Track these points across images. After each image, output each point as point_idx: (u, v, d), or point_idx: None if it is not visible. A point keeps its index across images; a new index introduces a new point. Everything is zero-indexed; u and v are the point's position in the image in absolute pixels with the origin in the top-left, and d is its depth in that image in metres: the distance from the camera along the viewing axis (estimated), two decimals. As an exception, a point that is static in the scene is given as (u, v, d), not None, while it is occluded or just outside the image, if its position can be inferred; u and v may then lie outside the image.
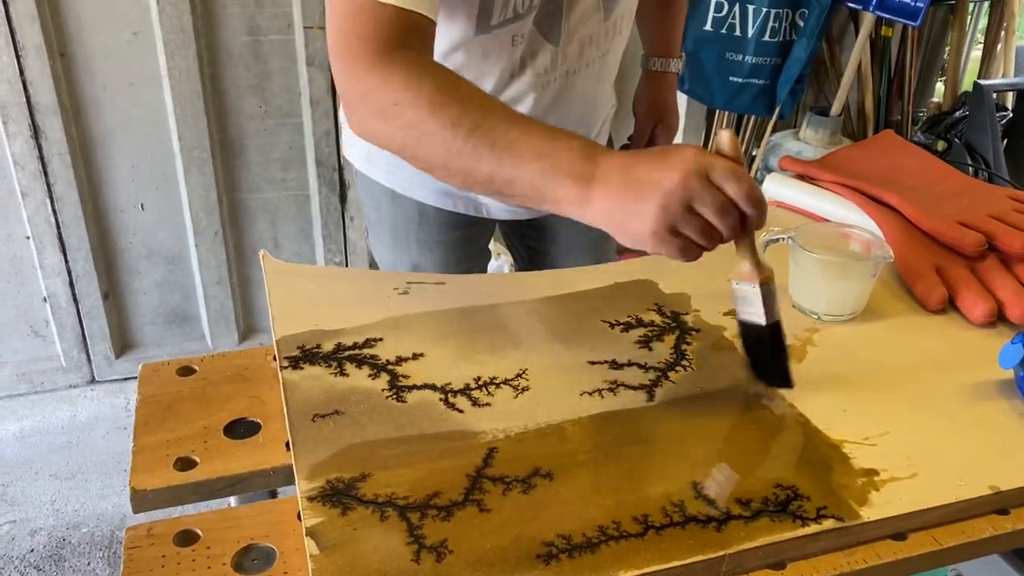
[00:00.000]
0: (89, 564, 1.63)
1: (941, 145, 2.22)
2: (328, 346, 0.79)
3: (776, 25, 2.15)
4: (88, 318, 1.99)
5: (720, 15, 2.18)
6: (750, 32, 2.17)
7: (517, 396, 0.74)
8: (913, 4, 1.97)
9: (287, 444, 0.69)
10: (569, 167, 0.66)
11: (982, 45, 2.63)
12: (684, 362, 0.79)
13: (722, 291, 0.91)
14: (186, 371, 0.80)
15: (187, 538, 0.62)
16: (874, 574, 0.62)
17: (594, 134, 1.11)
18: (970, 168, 2.00)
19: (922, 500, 0.64)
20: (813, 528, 0.61)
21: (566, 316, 0.85)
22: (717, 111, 2.38)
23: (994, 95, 2.13)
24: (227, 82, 1.90)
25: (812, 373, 0.79)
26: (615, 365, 0.78)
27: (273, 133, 1.98)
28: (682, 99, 2.33)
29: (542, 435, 0.69)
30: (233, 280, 2.09)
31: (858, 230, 0.91)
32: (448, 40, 0.89)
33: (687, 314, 0.87)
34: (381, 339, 0.80)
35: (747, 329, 0.73)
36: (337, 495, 0.62)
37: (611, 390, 0.75)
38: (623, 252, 0.95)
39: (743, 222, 0.65)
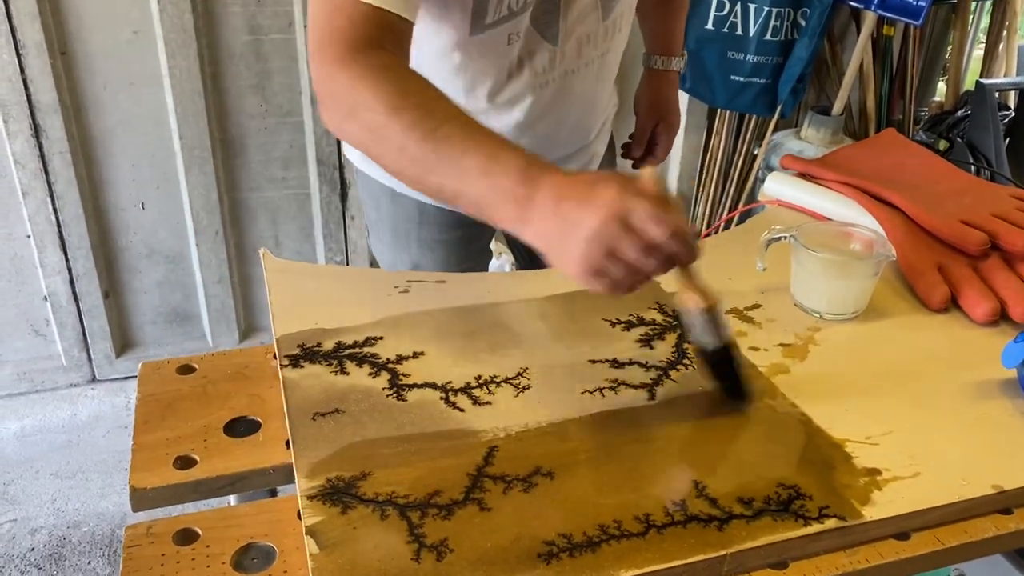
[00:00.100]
0: (90, 563, 1.63)
1: (943, 144, 2.22)
2: (328, 344, 0.78)
3: (778, 24, 2.15)
4: (89, 317, 1.99)
5: (721, 14, 2.18)
6: (752, 31, 2.17)
7: (518, 395, 0.74)
8: (915, 3, 1.96)
9: (287, 443, 0.69)
10: (509, 189, 0.65)
11: (984, 44, 2.62)
12: (685, 361, 0.79)
13: (724, 290, 0.91)
14: (186, 370, 0.80)
15: (187, 537, 0.62)
16: (876, 574, 0.61)
17: (594, 135, 1.11)
18: (972, 167, 1.99)
19: (925, 499, 0.64)
20: (815, 527, 0.61)
21: (567, 315, 0.85)
22: (719, 110, 2.38)
23: (996, 94, 2.12)
24: (228, 81, 1.90)
25: (814, 372, 0.79)
26: (616, 364, 0.78)
27: (274, 132, 1.98)
28: (683, 98, 2.33)
29: (543, 434, 0.69)
30: (234, 279, 2.09)
31: (860, 229, 0.90)
32: (444, 40, 0.89)
33: (688, 313, 0.86)
34: (381, 338, 0.80)
35: (701, 352, 0.72)
36: (337, 494, 0.61)
37: (612, 389, 0.75)
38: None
39: (673, 259, 0.64)
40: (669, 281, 0.92)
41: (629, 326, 0.84)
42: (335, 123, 0.74)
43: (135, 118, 1.87)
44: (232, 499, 0.73)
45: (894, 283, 0.94)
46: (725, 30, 2.19)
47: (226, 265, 2.05)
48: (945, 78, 2.65)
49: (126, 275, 2.01)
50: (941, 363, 0.82)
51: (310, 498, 0.61)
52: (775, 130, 2.32)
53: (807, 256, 0.86)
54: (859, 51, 2.18)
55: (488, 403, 0.72)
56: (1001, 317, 0.87)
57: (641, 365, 0.78)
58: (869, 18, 2.13)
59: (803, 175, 1.12)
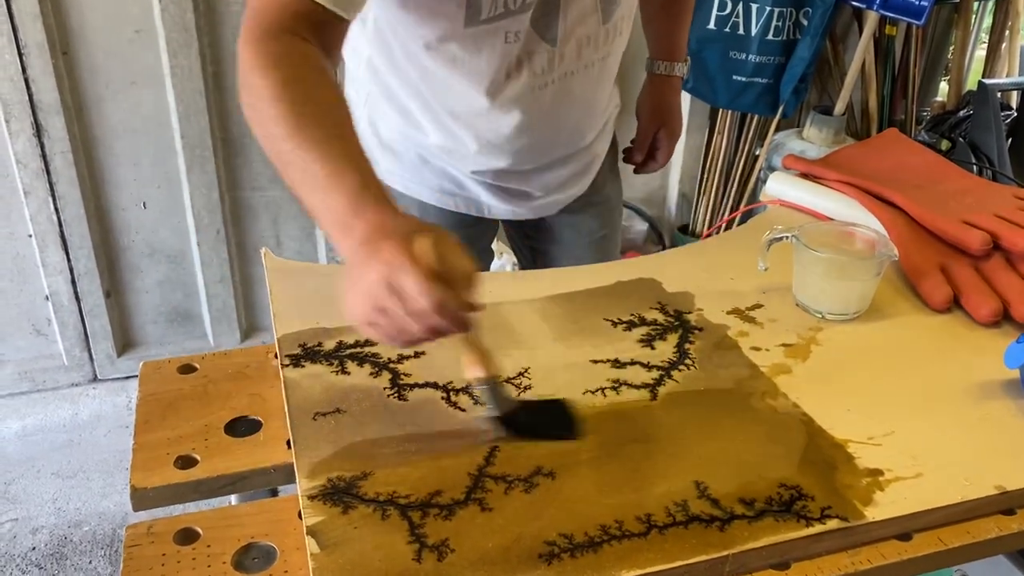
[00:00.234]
0: (91, 562, 1.63)
1: (945, 144, 2.21)
2: (329, 344, 0.78)
3: (780, 24, 2.14)
4: (90, 316, 1.99)
5: (723, 14, 2.18)
6: (754, 31, 2.17)
7: (519, 394, 0.73)
8: (917, 3, 1.96)
9: (288, 442, 0.69)
10: (337, 212, 0.66)
11: (986, 44, 2.62)
12: (687, 361, 0.79)
13: (726, 290, 0.91)
14: (187, 369, 0.80)
15: (187, 536, 0.62)
16: (879, 574, 0.61)
17: (594, 136, 1.10)
18: (974, 167, 1.99)
19: (927, 500, 0.64)
20: (817, 528, 0.61)
21: (568, 315, 0.85)
22: (720, 110, 2.37)
23: (998, 94, 2.12)
24: (229, 80, 1.90)
25: (816, 372, 0.78)
26: (618, 364, 0.78)
27: (275, 131, 1.98)
28: (685, 98, 2.33)
29: (544, 434, 0.69)
30: (235, 278, 2.09)
31: (862, 229, 0.90)
32: (439, 30, 0.88)
33: (690, 313, 0.86)
34: (383, 337, 0.80)
35: (497, 420, 0.69)
36: (338, 494, 0.61)
37: (614, 389, 0.74)
38: (626, 253, 0.94)
39: (444, 329, 0.63)
40: (671, 281, 0.92)
41: (631, 326, 0.84)
42: (240, 98, 0.74)
43: (136, 117, 1.87)
44: (233, 499, 0.73)
45: (896, 283, 0.94)
46: (727, 30, 2.19)
47: (227, 264, 2.05)
48: (947, 78, 2.64)
49: (127, 274, 2.01)
50: (943, 363, 0.81)
51: (311, 498, 0.61)
52: (777, 130, 2.32)
53: (809, 256, 0.86)
54: (861, 51, 2.18)
55: (489, 403, 0.72)
56: (1003, 317, 0.87)
57: (643, 365, 0.78)
58: (871, 18, 2.13)
59: (805, 175, 1.12)
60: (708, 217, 2.50)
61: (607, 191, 1.20)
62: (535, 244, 1.23)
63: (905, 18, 2.01)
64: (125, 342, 2.09)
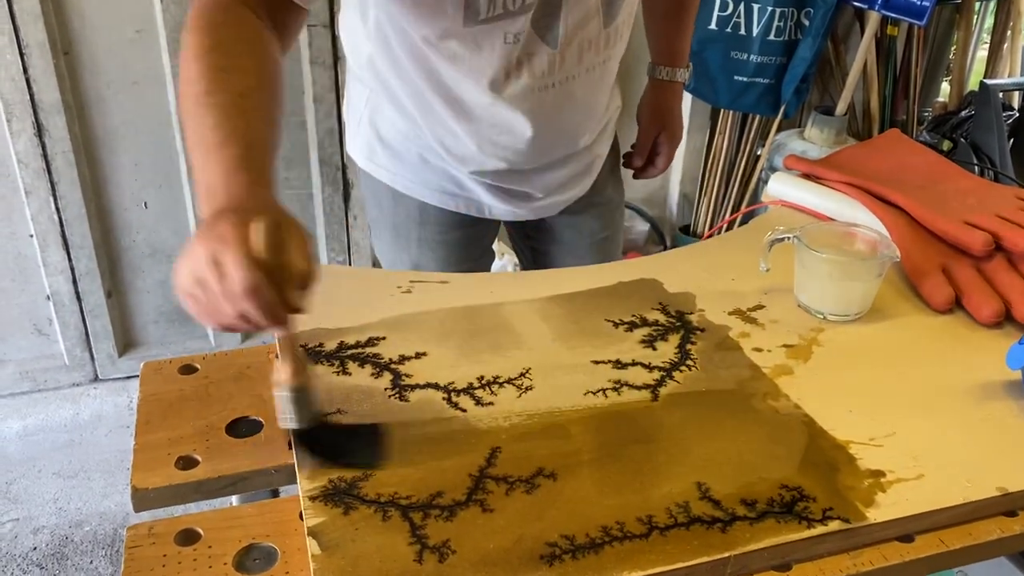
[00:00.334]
0: (92, 563, 1.63)
1: (947, 145, 2.21)
2: (331, 345, 0.78)
3: (781, 24, 2.14)
4: (91, 316, 1.99)
5: (725, 14, 2.17)
6: (755, 31, 2.16)
7: (520, 395, 0.73)
8: (919, 3, 1.96)
9: (289, 443, 0.69)
10: (207, 183, 0.65)
11: (988, 44, 2.62)
12: (689, 362, 0.79)
13: (727, 291, 0.91)
14: (188, 369, 0.80)
15: (188, 537, 0.62)
16: (880, 576, 0.61)
17: (595, 138, 1.10)
18: (976, 168, 1.99)
19: (929, 502, 0.64)
20: (819, 529, 0.61)
21: (570, 315, 0.85)
22: (722, 110, 2.37)
23: (1000, 94, 2.11)
24: (231, 80, 1.90)
25: (817, 373, 0.78)
26: (619, 364, 0.78)
27: (276, 131, 1.98)
28: (687, 98, 2.33)
29: (545, 435, 0.69)
30: (236, 279, 2.09)
31: (864, 229, 0.90)
32: (438, 28, 0.88)
33: (692, 313, 0.86)
34: (384, 338, 0.80)
35: (294, 433, 0.67)
36: (339, 494, 0.61)
37: (615, 390, 0.74)
38: (627, 254, 0.94)
39: (248, 317, 0.60)
40: (672, 282, 0.92)
41: (632, 327, 0.84)
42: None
43: (138, 117, 1.87)
44: (234, 499, 0.73)
45: (898, 284, 0.94)
46: (728, 30, 2.19)
47: (229, 265, 2.05)
48: (949, 78, 2.64)
49: (129, 274, 2.01)
50: (945, 364, 0.81)
51: (312, 499, 0.61)
52: (778, 130, 2.32)
53: (811, 257, 0.86)
54: (863, 51, 2.18)
55: (491, 404, 0.72)
56: (1005, 318, 0.87)
57: (644, 366, 0.78)
58: (873, 18, 2.13)
59: (807, 175, 1.12)
60: (709, 217, 2.50)
61: (608, 192, 1.20)
62: (536, 245, 1.22)
63: (907, 18, 2.01)
64: (126, 342, 2.09)
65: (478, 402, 0.72)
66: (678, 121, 1.25)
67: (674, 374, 0.77)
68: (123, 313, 2.05)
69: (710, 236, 1.09)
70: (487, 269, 1.23)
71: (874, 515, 0.62)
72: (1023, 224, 0.96)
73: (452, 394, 0.73)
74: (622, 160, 1.26)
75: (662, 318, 0.85)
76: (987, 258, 0.94)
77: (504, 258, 2.10)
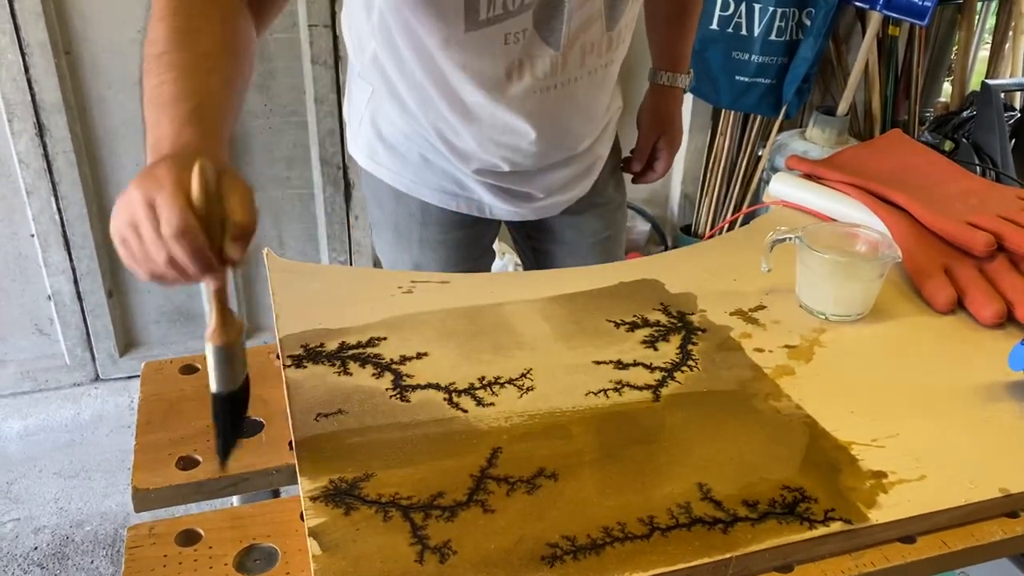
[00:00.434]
0: (92, 562, 1.63)
1: (948, 145, 2.21)
2: (332, 345, 0.78)
3: (782, 24, 2.14)
4: (92, 316, 1.99)
5: (726, 14, 2.17)
6: (756, 31, 2.16)
7: (522, 396, 0.73)
8: (920, 3, 1.96)
9: (290, 443, 0.69)
10: (156, 136, 0.63)
11: (990, 45, 2.62)
12: (690, 362, 0.79)
13: (728, 291, 0.91)
14: (189, 369, 0.79)
15: (189, 538, 0.62)
16: (882, 577, 0.61)
17: (596, 139, 1.10)
18: (978, 168, 1.99)
19: (931, 503, 0.63)
20: (821, 530, 0.60)
21: (571, 315, 0.85)
22: (723, 110, 2.37)
23: (1002, 95, 2.11)
24: (232, 80, 1.90)
25: (819, 374, 0.78)
26: (620, 365, 0.78)
27: (277, 131, 1.98)
28: (688, 98, 2.33)
29: (546, 435, 0.69)
30: (237, 279, 2.09)
31: (866, 230, 0.90)
32: (440, 35, 0.88)
33: (693, 314, 0.86)
34: (385, 338, 0.80)
35: (213, 397, 0.63)
36: (340, 495, 0.61)
37: (616, 390, 0.74)
38: (629, 254, 0.94)
39: (178, 262, 0.58)
40: (673, 282, 0.92)
41: (633, 327, 0.84)
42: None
43: (139, 117, 1.85)
44: (235, 500, 0.73)
45: (900, 285, 0.94)
46: (730, 30, 2.19)
47: (230, 265, 2.05)
48: (951, 79, 2.64)
49: (130, 274, 2.00)
50: (947, 365, 0.81)
51: (313, 499, 0.61)
52: (780, 130, 2.32)
53: (812, 257, 0.86)
54: (864, 51, 2.17)
55: (492, 404, 0.72)
56: (1008, 319, 0.87)
57: (645, 366, 0.78)
58: (874, 18, 2.13)
59: (808, 176, 1.12)
60: (711, 218, 2.50)
61: (610, 192, 1.20)
62: (537, 245, 1.22)
63: (908, 18, 2.01)
64: (127, 342, 2.09)
65: (479, 402, 0.72)
66: (678, 127, 1.25)
67: (675, 374, 0.77)
68: (124, 313, 2.05)
69: (711, 236, 1.09)
70: (488, 269, 1.23)
71: (876, 516, 0.62)
72: (1025, 224, 0.96)
73: (453, 394, 0.73)
74: (623, 165, 1.26)
75: (663, 318, 0.85)
76: (989, 259, 0.94)
77: (505, 258, 2.10)
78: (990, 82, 2.11)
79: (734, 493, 0.63)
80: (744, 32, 2.18)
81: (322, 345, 0.78)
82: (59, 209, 1.86)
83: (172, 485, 0.66)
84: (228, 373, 0.62)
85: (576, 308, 0.86)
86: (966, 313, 0.89)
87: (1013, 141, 2.14)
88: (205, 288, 0.61)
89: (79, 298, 1.96)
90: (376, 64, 0.99)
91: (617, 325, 0.84)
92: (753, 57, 2.19)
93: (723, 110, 2.37)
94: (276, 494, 0.72)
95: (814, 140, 2.23)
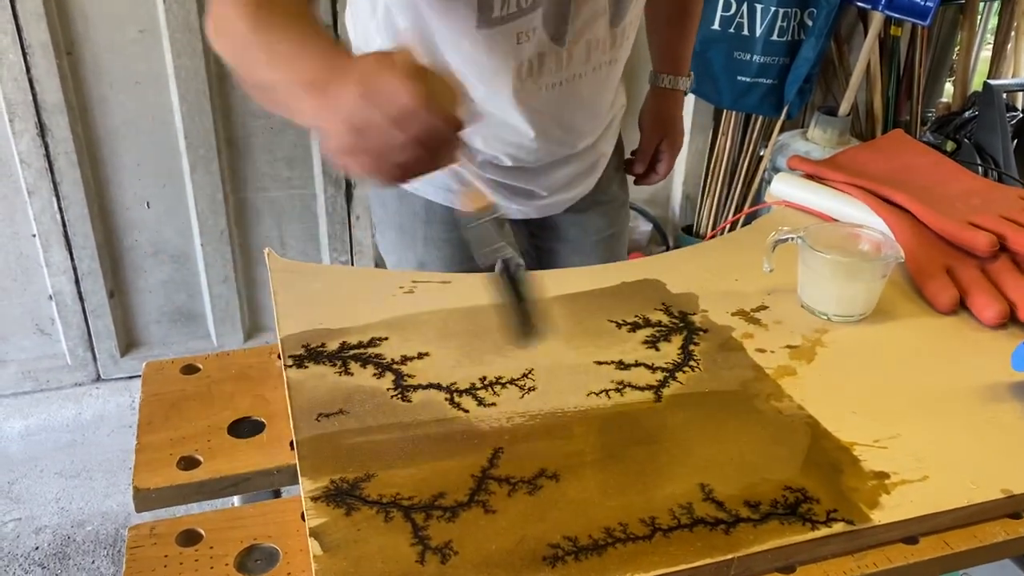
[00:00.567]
0: (94, 562, 1.63)
1: (950, 145, 2.21)
2: (333, 345, 0.78)
3: (784, 24, 2.14)
4: (94, 316, 1.99)
5: (728, 14, 2.17)
6: (758, 31, 2.16)
7: (523, 396, 0.73)
8: (922, 3, 1.96)
9: (291, 443, 0.69)
10: (303, 78, 0.61)
11: (992, 45, 2.62)
12: (692, 362, 0.78)
13: (730, 291, 0.90)
14: (190, 369, 0.79)
15: (190, 538, 0.61)
16: (884, 578, 0.61)
17: (599, 136, 1.10)
18: (980, 168, 1.99)
19: (933, 503, 0.63)
20: (823, 531, 0.60)
21: (573, 316, 0.85)
22: (724, 110, 2.37)
23: (1004, 95, 2.11)
24: (233, 81, 1.90)
25: (821, 375, 0.78)
26: (622, 365, 0.78)
27: (279, 132, 1.98)
28: (689, 98, 2.32)
29: (548, 435, 0.69)
30: (238, 279, 2.09)
31: (868, 230, 0.90)
32: (452, 32, 0.88)
33: (695, 314, 0.86)
34: (386, 338, 0.79)
35: (486, 271, 0.66)
36: (341, 495, 0.61)
37: (618, 390, 0.74)
38: (630, 254, 0.94)
39: (427, 137, 0.57)
40: (675, 282, 0.91)
41: (635, 327, 0.83)
42: (210, 33, 0.71)
43: (140, 117, 1.87)
44: (236, 500, 0.73)
45: (902, 285, 0.93)
46: (731, 30, 2.19)
47: (231, 265, 2.05)
48: (952, 79, 2.64)
49: (131, 274, 2.01)
50: (950, 366, 0.81)
51: (314, 499, 0.61)
52: (781, 131, 2.32)
53: (814, 257, 0.86)
54: (866, 51, 2.17)
55: (493, 404, 0.72)
56: (1010, 319, 0.87)
57: (647, 367, 0.78)
58: (876, 18, 2.13)
59: (810, 176, 1.12)
60: (712, 218, 2.49)
61: (613, 190, 1.20)
62: (540, 243, 1.23)
63: (910, 19, 2.01)
64: (128, 342, 2.09)
65: (480, 403, 0.72)
66: (679, 129, 1.26)
67: (677, 375, 0.77)
68: (125, 313, 2.05)
69: (713, 236, 1.08)
70: (491, 269, 1.23)
71: (878, 517, 0.62)
72: (1028, 225, 0.96)
73: (454, 395, 0.73)
74: (625, 166, 1.26)
75: (665, 319, 0.85)
76: (991, 259, 0.94)
77: (506, 258, 2.09)
78: (992, 82, 2.11)
79: (736, 494, 0.63)
80: (746, 32, 2.18)
81: (323, 345, 0.78)
82: (60, 209, 1.86)
83: (173, 485, 0.66)
84: (494, 234, 0.63)
85: (578, 308, 0.86)
86: (968, 314, 0.89)
87: (1015, 141, 2.14)
88: (456, 163, 0.60)
89: (80, 298, 1.96)
90: None
91: (619, 325, 0.84)
92: (755, 57, 2.19)
93: (725, 110, 2.37)
94: (277, 494, 0.72)
95: (816, 140, 2.23)
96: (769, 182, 1.14)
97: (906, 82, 2.45)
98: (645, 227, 2.53)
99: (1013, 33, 2.53)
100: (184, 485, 0.66)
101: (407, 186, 1.07)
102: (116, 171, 1.90)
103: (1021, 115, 2.27)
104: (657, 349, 0.80)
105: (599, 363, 0.78)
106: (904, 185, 1.04)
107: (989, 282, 0.90)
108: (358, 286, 0.89)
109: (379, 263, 2.18)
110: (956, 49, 2.65)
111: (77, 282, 1.94)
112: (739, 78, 2.23)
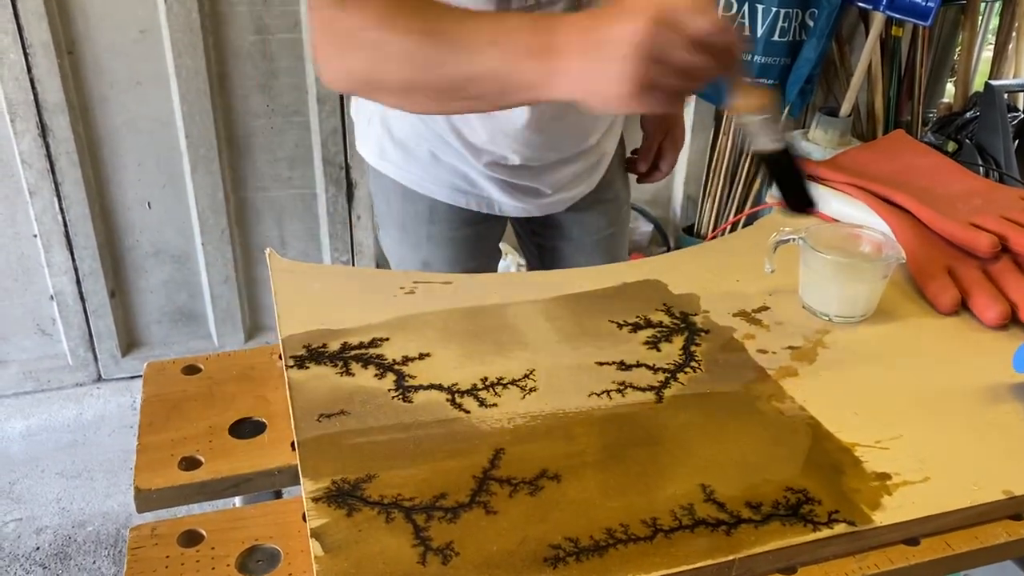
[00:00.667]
0: (95, 562, 1.63)
1: (952, 146, 2.21)
2: (334, 345, 0.78)
3: (785, 25, 2.14)
4: (95, 316, 1.99)
5: (729, 14, 2.17)
6: (759, 32, 2.16)
7: (524, 397, 0.73)
8: (924, 4, 1.96)
9: (292, 444, 0.69)
10: (525, 46, 0.62)
11: (993, 45, 2.61)
12: (693, 363, 0.78)
13: (732, 292, 0.90)
14: (191, 370, 0.79)
15: (191, 538, 0.61)
16: (886, 579, 0.61)
17: (603, 134, 1.11)
18: (981, 169, 1.98)
19: (935, 505, 0.63)
20: (825, 532, 0.60)
21: (574, 316, 0.85)
22: (726, 111, 2.37)
23: (1005, 95, 2.11)
24: (234, 80, 1.90)
25: (822, 375, 0.78)
26: (623, 366, 0.78)
27: (280, 132, 1.98)
28: (690, 99, 2.32)
29: (549, 436, 0.68)
30: (239, 279, 2.09)
31: (869, 231, 0.90)
32: None
33: (696, 315, 0.86)
34: (387, 339, 0.79)
35: (763, 158, 0.75)
36: (342, 496, 0.61)
37: (619, 391, 0.74)
38: (631, 255, 0.94)
39: (722, 57, 0.61)
40: (676, 283, 0.91)
41: (636, 328, 0.83)
42: (333, 66, 0.70)
43: (141, 117, 1.87)
44: (237, 501, 0.73)
45: (903, 286, 0.93)
46: (732, 31, 2.18)
47: (232, 265, 2.05)
48: (954, 79, 2.64)
49: (132, 274, 2.02)
50: (951, 367, 0.81)
51: (315, 500, 0.61)
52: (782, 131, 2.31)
53: (816, 258, 0.86)
54: (867, 52, 2.17)
55: (494, 405, 0.72)
56: (1012, 320, 0.87)
57: (649, 368, 0.77)
58: (877, 19, 2.12)
59: (812, 177, 1.11)
60: (713, 218, 2.49)
61: (616, 189, 1.21)
62: (542, 241, 1.23)
63: (911, 19, 2.01)
64: (129, 342, 2.09)
65: (482, 403, 0.72)
66: (681, 126, 1.26)
67: (678, 376, 0.77)
68: (126, 313, 2.06)
69: (714, 237, 1.08)
70: (495, 267, 1.24)
71: (880, 518, 0.62)
72: (1029, 226, 0.96)
73: (456, 395, 0.73)
74: (626, 166, 1.26)
75: (666, 319, 0.85)
76: (993, 260, 0.94)
77: (508, 258, 2.10)
78: (993, 83, 2.10)
79: (737, 495, 0.63)
80: (747, 33, 2.17)
81: (324, 346, 0.78)
82: (62, 209, 1.86)
83: (174, 486, 0.66)
84: (776, 131, 0.72)
85: (579, 309, 0.86)
86: (970, 314, 0.89)
87: (1016, 142, 2.14)
88: (727, 77, 0.66)
89: (81, 298, 1.96)
90: None
91: (620, 326, 0.84)
92: (756, 58, 2.19)
93: (726, 111, 2.37)
94: (278, 495, 0.72)
95: (817, 141, 2.22)
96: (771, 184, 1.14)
97: (907, 83, 2.45)
98: (646, 228, 2.53)
99: (1014, 34, 2.53)
100: (185, 486, 0.66)
101: (411, 184, 1.07)
102: (117, 171, 1.91)
103: (1022, 115, 2.27)
104: (658, 350, 0.80)
105: (600, 364, 0.78)
106: (905, 186, 1.04)
107: (990, 283, 0.90)
108: (359, 286, 0.89)
109: (380, 263, 2.19)
110: (957, 49, 2.64)
111: (78, 282, 1.94)
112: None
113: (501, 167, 1.03)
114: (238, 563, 0.60)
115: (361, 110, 1.09)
